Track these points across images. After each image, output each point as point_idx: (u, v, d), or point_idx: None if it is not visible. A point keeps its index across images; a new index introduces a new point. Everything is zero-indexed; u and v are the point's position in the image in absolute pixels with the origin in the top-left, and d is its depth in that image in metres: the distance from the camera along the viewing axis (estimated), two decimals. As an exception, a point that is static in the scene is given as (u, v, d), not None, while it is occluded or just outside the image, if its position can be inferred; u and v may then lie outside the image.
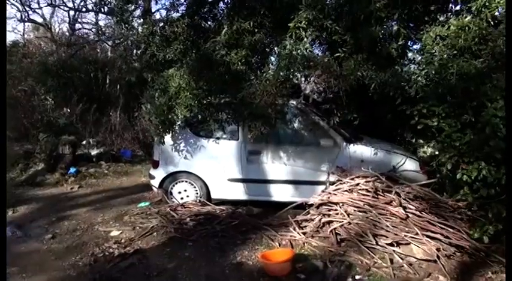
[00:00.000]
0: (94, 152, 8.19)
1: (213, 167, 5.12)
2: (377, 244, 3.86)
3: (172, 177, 5.24)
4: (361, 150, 4.90)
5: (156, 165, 5.33)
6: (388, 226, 3.96)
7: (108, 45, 14.02)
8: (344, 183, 4.52)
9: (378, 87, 3.84)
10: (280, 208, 4.82)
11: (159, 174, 5.27)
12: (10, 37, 14.57)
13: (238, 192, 5.13)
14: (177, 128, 5.01)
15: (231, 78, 4.66)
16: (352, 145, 4.92)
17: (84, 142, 8.71)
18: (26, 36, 16.16)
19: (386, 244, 3.85)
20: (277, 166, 5.01)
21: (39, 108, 9.23)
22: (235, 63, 4.45)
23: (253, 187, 5.10)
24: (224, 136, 5.15)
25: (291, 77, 4.28)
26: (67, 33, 15.34)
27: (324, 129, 4.98)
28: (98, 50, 14.57)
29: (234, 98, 4.61)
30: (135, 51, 5.25)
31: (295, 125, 5.11)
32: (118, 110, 10.96)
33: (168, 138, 5.09)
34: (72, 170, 7.24)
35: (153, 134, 4.96)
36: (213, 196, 5.19)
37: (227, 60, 4.43)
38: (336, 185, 4.58)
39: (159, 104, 4.48)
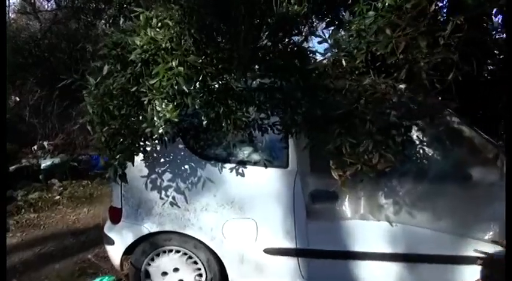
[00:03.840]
0: (46, 163, 5.46)
1: (232, 226, 2.44)
2: None
3: (150, 242, 2.54)
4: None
5: (116, 217, 2.62)
6: None
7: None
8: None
9: None
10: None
11: (122, 236, 2.57)
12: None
13: (286, 275, 2.47)
14: (155, 142, 2.35)
15: (276, 31, 2.07)
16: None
17: (35, 147, 6.01)
18: (12, 15, 13.73)
19: None
20: (374, 225, 2.33)
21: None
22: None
23: (318, 266, 2.43)
24: (255, 159, 2.47)
25: None
26: (53, 7, 12.81)
27: (476, 146, 2.30)
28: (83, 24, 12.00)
29: (287, 76, 1.99)
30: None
31: (413, 137, 2.39)
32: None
33: (139, 163, 2.43)
34: None
35: (101, 157, 2.23)
36: (234, 281, 2.52)
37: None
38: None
39: (103, 92, 1.80)
